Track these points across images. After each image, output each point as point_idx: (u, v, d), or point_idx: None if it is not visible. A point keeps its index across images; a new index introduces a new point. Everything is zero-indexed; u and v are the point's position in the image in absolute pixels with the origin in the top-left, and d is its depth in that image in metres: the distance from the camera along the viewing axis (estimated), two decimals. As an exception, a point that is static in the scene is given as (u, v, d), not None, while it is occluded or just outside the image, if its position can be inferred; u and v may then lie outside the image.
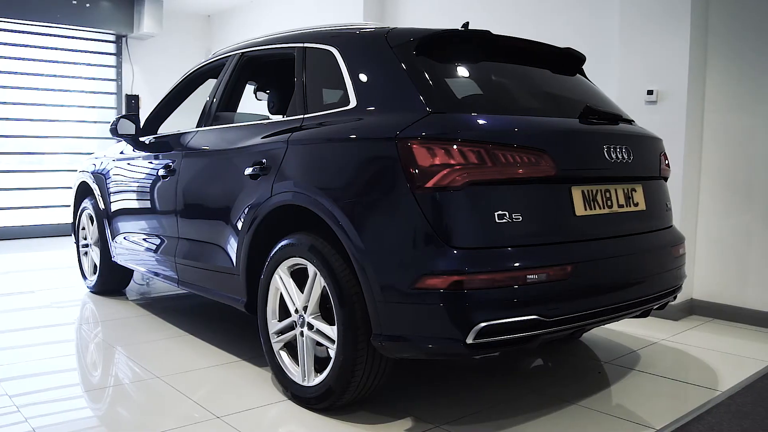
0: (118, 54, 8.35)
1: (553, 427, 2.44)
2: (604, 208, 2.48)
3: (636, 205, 2.65)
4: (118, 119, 4.01)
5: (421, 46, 2.51)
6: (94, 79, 8.24)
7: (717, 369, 3.16)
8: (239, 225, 2.91)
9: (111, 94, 8.37)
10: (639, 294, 2.54)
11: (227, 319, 3.98)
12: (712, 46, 4.09)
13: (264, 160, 2.79)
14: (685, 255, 2.92)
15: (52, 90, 7.88)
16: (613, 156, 2.52)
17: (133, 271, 4.57)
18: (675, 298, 2.88)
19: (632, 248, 2.56)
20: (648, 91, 4.08)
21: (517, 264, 2.15)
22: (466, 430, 2.42)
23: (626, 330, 3.78)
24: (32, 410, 2.59)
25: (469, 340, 2.08)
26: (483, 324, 2.07)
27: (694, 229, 4.19)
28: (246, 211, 2.86)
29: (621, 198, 2.58)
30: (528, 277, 2.13)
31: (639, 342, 3.56)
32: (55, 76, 7.89)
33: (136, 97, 8.35)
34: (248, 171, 2.85)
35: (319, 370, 2.55)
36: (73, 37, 8.01)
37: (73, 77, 8.04)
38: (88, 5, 7.65)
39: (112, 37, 8.31)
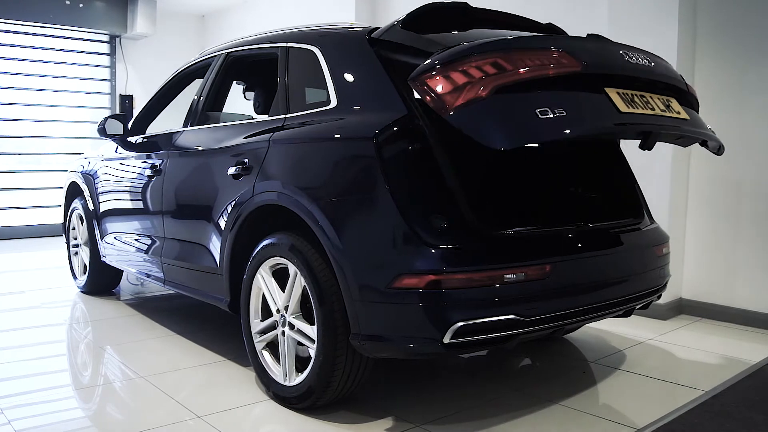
0: (112, 54, 8.35)
1: (535, 427, 2.44)
2: (646, 109, 2.35)
3: (678, 113, 2.52)
4: (105, 119, 4.03)
5: (404, 25, 2.51)
6: (87, 79, 8.24)
7: (703, 369, 3.15)
8: (222, 225, 2.91)
9: (105, 94, 8.37)
10: (620, 293, 2.53)
11: (215, 318, 3.98)
12: (701, 43, 4.09)
13: (246, 160, 2.79)
14: (669, 254, 2.91)
15: (45, 90, 7.88)
16: (635, 59, 2.41)
17: (122, 271, 4.57)
18: (659, 297, 2.87)
19: (611, 247, 2.55)
20: (636, 90, 4.07)
21: (495, 263, 2.15)
22: (447, 430, 2.42)
23: (614, 329, 3.78)
24: (17, 412, 2.59)
25: (446, 340, 2.07)
26: (460, 323, 2.06)
27: (683, 228, 4.18)
28: (229, 211, 2.86)
29: (660, 104, 2.45)
30: (506, 276, 2.13)
31: (626, 341, 3.56)
32: (48, 76, 7.89)
33: (130, 97, 8.35)
34: (231, 171, 2.86)
35: (301, 369, 2.55)
36: (66, 38, 8.01)
37: (66, 77, 8.03)
38: (81, 5, 7.65)
39: (105, 37, 8.31)
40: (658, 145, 4.02)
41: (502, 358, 3.29)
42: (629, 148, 3.66)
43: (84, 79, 8.21)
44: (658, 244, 2.80)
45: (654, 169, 3.99)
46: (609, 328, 3.80)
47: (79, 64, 8.16)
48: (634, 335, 3.68)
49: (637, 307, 2.70)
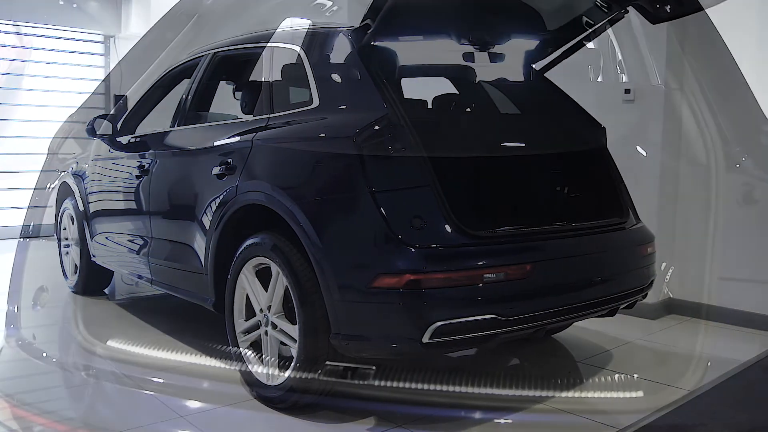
0: (106, 54, 8.34)
1: (519, 427, 2.44)
2: None
3: None
4: (94, 119, 4.04)
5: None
6: (82, 79, 8.22)
7: (689, 368, 3.16)
8: (207, 225, 2.91)
9: (99, 94, 8.35)
10: (603, 293, 2.53)
11: (202, 318, 3.96)
12: (690, 43, 4.08)
13: (230, 160, 2.79)
14: (655, 254, 2.90)
15: (39, 90, 7.86)
16: None
17: (113, 271, 4.57)
18: (644, 297, 2.87)
19: (594, 247, 2.55)
20: (625, 90, 4.07)
21: (474, 263, 2.15)
22: (429, 429, 2.42)
23: (602, 329, 3.76)
24: (7, 413, 2.58)
25: (425, 339, 2.07)
26: (439, 323, 2.06)
27: (673, 227, 4.17)
28: (213, 211, 2.85)
29: None
30: (486, 276, 2.13)
31: (613, 341, 3.55)
32: (42, 76, 7.87)
33: (124, 98, 8.33)
34: (216, 170, 2.85)
35: (284, 369, 2.55)
36: (60, 38, 7.99)
37: (60, 78, 8.02)
38: (75, 5, 7.64)
39: (99, 38, 8.29)
40: (646, 145, 3.99)
41: (487, 358, 3.29)
42: (621, 147, 3.65)
43: (78, 79, 8.19)
44: (643, 243, 2.80)
45: (644, 169, 3.98)
46: (597, 328, 3.78)
47: (73, 65, 8.14)
48: (622, 335, 3.67)
49: (622, 306, 2.70)
